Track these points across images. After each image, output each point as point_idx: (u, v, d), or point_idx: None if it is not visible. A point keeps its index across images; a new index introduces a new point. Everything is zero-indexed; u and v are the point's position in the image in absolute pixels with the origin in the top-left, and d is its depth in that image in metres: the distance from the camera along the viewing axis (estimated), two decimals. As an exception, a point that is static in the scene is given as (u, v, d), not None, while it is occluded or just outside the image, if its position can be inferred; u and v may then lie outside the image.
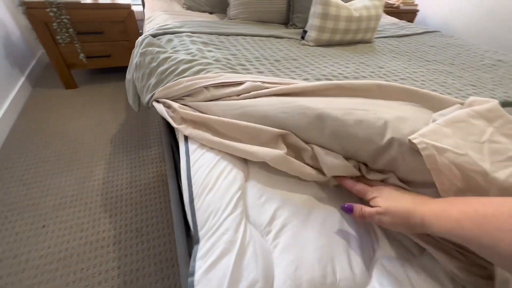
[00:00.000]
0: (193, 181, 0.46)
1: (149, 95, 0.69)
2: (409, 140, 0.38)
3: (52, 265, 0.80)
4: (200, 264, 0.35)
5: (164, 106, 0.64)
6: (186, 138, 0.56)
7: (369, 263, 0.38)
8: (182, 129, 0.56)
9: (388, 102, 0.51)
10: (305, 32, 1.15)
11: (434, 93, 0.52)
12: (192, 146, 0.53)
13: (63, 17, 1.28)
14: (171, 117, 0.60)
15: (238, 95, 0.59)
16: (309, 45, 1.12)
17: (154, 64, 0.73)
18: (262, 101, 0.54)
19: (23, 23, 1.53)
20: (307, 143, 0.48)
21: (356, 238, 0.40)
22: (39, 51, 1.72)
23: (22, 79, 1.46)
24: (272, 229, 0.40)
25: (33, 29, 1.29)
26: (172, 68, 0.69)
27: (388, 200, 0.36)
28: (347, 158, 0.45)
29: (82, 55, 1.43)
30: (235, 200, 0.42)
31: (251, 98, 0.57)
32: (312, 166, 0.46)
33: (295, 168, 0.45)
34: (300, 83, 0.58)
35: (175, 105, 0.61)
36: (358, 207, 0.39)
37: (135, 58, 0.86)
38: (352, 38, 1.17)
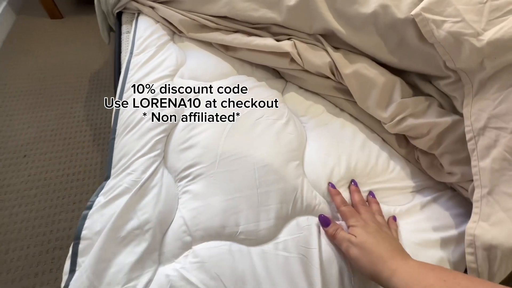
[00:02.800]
0: (119, 118, 0.43)
1: None
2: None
3: (32, 191, 0.86)
4: (100, 199, 0.34)
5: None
6: (127, 70, 0.51)
7: (283, 222, 0.36)
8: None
9: None
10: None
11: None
12: (128, 85, 0.48)
13: None
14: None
15: None
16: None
17: None
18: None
19: None
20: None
21: (275, 195, 0.37)
22: (21, -27, 1.57)
23: (4, 3, 1.37)
24: (187, 176, 0.38)
25: None
26: None
27: (368, 236, 0.32)
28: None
29: (61, -21, 1.29)
30: (153, 142, 0.39)
31: None
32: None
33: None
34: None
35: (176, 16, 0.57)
36: (334, 226, 0.36)
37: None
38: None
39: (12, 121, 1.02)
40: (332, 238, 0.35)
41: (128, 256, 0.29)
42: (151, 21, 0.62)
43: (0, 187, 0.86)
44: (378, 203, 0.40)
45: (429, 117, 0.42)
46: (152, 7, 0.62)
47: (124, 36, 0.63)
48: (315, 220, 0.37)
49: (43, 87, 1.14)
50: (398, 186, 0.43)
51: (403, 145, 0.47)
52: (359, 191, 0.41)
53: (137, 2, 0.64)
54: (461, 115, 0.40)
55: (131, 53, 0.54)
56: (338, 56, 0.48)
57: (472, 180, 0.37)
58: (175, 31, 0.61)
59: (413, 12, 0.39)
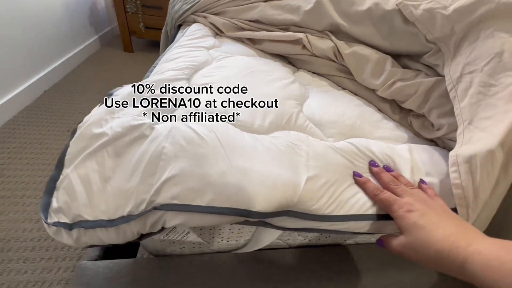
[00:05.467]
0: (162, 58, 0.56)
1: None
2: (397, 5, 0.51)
3: (62, 156, 0.97)
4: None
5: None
6: (177, 41, 0.67)
7: (275, 128, 0.41)
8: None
9: None
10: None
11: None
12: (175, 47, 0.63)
13: (135, -10, 1.59)
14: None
15: None
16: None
17: None
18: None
19: (109, -3, 1.93)
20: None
21: (272, 111, 0.43)
22: (114, 23, 2.11)
23: (95, 37, 1.82)
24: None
25: (112, -1, 1.63)
26: None
27: (429, 210, 0.28)
28: None
29: (142, 24, 1.72)
30: (183, 67, 0.50)
31: None
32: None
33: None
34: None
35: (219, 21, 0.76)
36: (387, 240, 0.30)
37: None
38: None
39: (70, 106, 1.23)
40: (381, 200, 0.31)
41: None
42: (201, 25, 0.82)
43: (46, 148, 0.98)
44: (433, 189, 0.34)
45: (416, 80, 0.49)
46: (205, 17, 0.83)
47: (179, 35, 0.84)
48: (306, 136, 0.41)
49: (100, 91, 1.40)
50: (392, 134, 0.46)
51: (397, 111, 0.52)
52: (390, 171, 0.35)
53: (194, 14, 0.86)
54: (443, 77, 0.46)
55: (184, 35, 0.71)
56: (340, 43, 0.60)
57: (457, 130, 0.40)
58: (217, 32, 0.80)
59: (397, 2, 0.51)
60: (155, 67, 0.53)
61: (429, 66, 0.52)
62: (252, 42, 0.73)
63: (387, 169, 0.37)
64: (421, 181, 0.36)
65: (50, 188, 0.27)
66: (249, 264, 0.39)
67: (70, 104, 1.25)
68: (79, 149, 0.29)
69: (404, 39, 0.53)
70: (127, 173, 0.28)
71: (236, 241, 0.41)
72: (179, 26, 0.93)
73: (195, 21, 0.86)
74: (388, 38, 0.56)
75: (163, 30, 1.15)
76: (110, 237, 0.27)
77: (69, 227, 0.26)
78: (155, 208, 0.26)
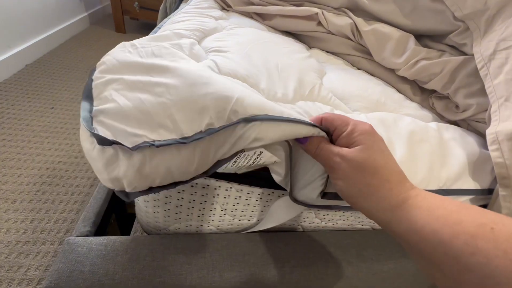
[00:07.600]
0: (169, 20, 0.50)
1: None
2: None
3: (45, 134, 0.88)
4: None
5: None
6: (181, 8, 0.61)
7: (299, 97, 0.37)
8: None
9: None
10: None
11: None
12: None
13: (130, -35, 1.50)
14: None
15: None
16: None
17: None
18: None
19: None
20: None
21: (294, 79, 0.39)
22: (106, 1, 2.00)
23: (84, 14, 1.70)
24: (215, 51, 0.41)
25: (105, -27, 1.53)
26: None
27: (372, 150, 0.22)
28: None
29: (136, 3, 1.63)
30: (195, 27, 0.44)
31: None
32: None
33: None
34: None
35: None
36: (316, 141, 0.24)
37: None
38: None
39: (54, 83, 1.13)
40: (315, 156, 0.25)
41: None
42: (207, -3, 0.76)
43: (26, 125, 0.89)
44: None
45: (442, 59, 0.46)
46: (210, -11, 0.77)
47: (182, 6, 0.77)
48: (330, 108, 0.37)
49: (90, 68, 1.30)
50: (417, 113, 0.43)
51: (418, 93, 0.49)
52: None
53: (199, -14, 0.80)
54: (472, 56, 0.44)
55: (188, 5, 0.66)
56: (359, 20, 0.56)
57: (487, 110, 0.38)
58: (224, 6, 0.74)
59: None
60: (159, 28, 0.47)
61: (454, 47, 0.49)
62: (261, 18, 0.68)
63: None
64: None
65: (86, 118, 0.24)
66: (264, 245, 0.35)
67: (54, 81, 1.15)
68: (109, 78, 0.24)
69: (429, 17, 0.51)
70: (185, 85, 0.23)
71: (249, 220, 0.37)
72: (181, 1, 0.87)
73: (199, -7, 0.80)
74: (411, 16, 0.53)
75: (161, 7, 1.08)
76: (182, 162, 0.21)
77: (130, 150, 0.20)
78: (246, 121, 0.22)
